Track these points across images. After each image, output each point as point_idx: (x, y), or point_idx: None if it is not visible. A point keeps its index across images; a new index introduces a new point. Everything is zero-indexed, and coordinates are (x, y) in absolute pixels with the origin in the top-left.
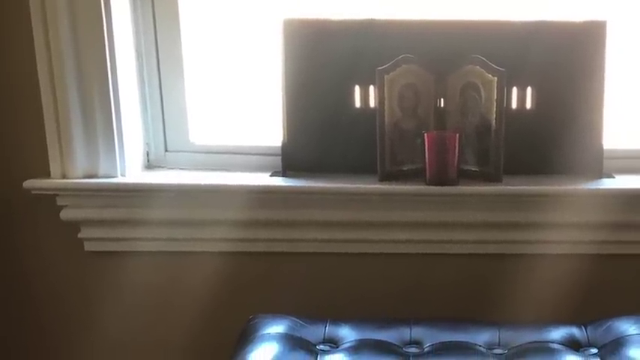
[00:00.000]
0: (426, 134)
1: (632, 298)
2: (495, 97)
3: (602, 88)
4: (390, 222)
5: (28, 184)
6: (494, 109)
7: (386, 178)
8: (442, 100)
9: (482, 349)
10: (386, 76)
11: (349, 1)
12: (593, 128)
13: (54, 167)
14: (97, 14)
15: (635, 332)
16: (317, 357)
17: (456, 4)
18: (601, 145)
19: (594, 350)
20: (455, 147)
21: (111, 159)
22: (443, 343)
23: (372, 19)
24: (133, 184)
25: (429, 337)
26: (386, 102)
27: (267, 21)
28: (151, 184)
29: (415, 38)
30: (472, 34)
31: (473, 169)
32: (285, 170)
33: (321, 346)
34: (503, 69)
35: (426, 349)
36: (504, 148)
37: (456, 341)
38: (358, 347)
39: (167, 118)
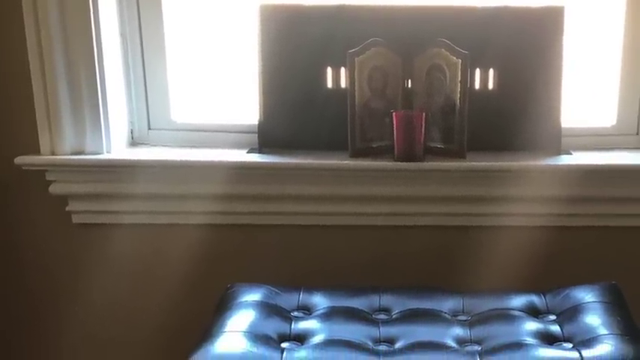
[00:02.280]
0: (394, 113)
1: (589, 268)
2: (459, 79)
3: (561, 70)
4: (361, 196)
5: (19, 160)
6: (459, 89)
7: (356, 154)
8: (409, 81)
9: (447, 315)
10: (356, 59)
11: None
12: (552, 108)
13: (43, 144)
14: (84, 1)
15: (590, 300)
16: (291, 323)
17: None
18: (559, 124)
19: (553, 317)
20: (421, 125)
21: (97, 137)
22: (410, 310)
23: (343, 5)
24: (118, 160)
25: (397, 304)
26: (356, 83)
27: (244, 6)
28: (135, 160)
29: (384, 22)
30: (437, 18)
31: (438, 146)
32: (262, 147)
33: (295, 313)
34: (466, 52)
35: (394, 316)
36: (468, 127)
37: (422, 308)
38: (330, 314)
39: (150, 98)
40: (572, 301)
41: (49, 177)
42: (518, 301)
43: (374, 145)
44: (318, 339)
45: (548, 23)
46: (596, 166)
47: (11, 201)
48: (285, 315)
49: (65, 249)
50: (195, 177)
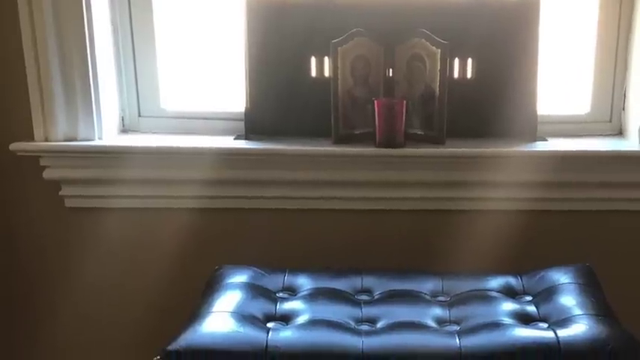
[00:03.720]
0: (375, 101)
1: (563, 251)
2: (439, 68)
3: (536, 60)
4: (343, 181)
5: (14, 146)
6: (438, 78)
7: (339, 141)
8: (391, 70)
9: (427, 296)
10: (339, 48)
11: None
12: (528, 96)
13: (37, 131)
14: None
15: (565, 281)
16: (277, 304)
17: None
18: (535, 111)
19: (529, 298)
20: (402, 113)
21: (89, 124)
22: (391, 291)
23: None
24: (110, 146)
25: (379, 285)
26: (339, 72)
27: None
28: (126, 146)
29: (366, 13)
30: (418, 10)
31: (418, 132)
32: (248, 134)
33: (281, 294)
34: (446, 42)
35: (376, 297)
36: (447, 114)
37: (403, 289)
38: (314, 295)
39: (140, 87)
40: (548, 282)
41: (42, 162)
42: (495, 282)
43: (356, 132)
44: (302, 319)
45: (525, 14)
46: (571, 152)
47: (6, 186)
48: (270, 296)
49: (58, 232)
50: (184, 163)
